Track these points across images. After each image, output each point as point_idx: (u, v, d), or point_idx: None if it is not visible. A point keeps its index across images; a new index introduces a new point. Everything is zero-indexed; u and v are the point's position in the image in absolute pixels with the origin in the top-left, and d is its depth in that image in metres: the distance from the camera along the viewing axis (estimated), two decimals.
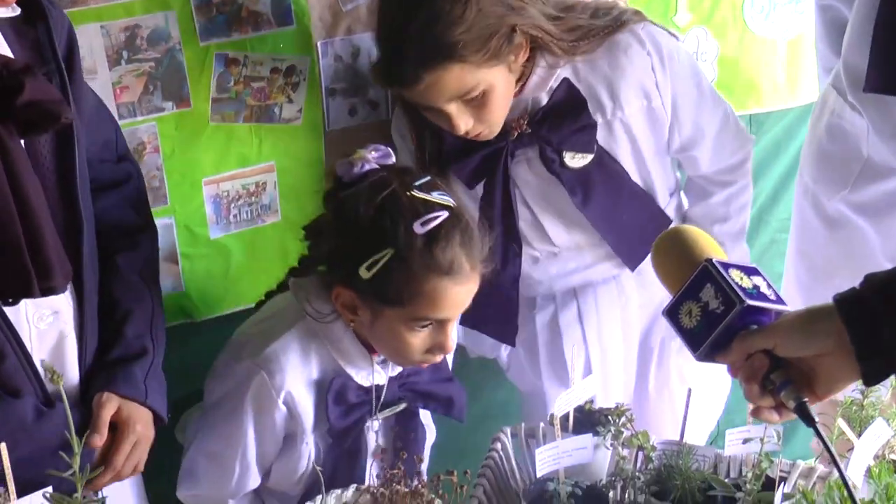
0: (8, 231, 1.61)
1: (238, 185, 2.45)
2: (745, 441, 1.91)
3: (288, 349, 1.98)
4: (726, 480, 1.95)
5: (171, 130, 2.32)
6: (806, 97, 3.01)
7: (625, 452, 2.00)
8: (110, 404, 1.84)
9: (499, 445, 2.06)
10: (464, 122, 2.15)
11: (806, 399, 1.42)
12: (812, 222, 2.65)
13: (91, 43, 2.16)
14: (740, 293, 1.44)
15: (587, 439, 1.91)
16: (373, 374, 2.03)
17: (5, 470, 1.46)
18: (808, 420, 1.42)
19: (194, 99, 2.32)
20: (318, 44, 2.42)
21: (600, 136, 2.29)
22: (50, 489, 1.51)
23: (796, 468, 2.04)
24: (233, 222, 2.47)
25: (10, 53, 1.67)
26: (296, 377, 1.98)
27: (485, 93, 2.13)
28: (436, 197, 1.89)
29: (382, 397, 2.04)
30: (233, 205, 2.46)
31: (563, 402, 1.93)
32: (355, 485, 1.78)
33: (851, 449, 1.83)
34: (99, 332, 1.90)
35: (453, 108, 2.13)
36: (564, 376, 2.46)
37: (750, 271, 1.50)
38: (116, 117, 2.16)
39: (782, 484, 1.82)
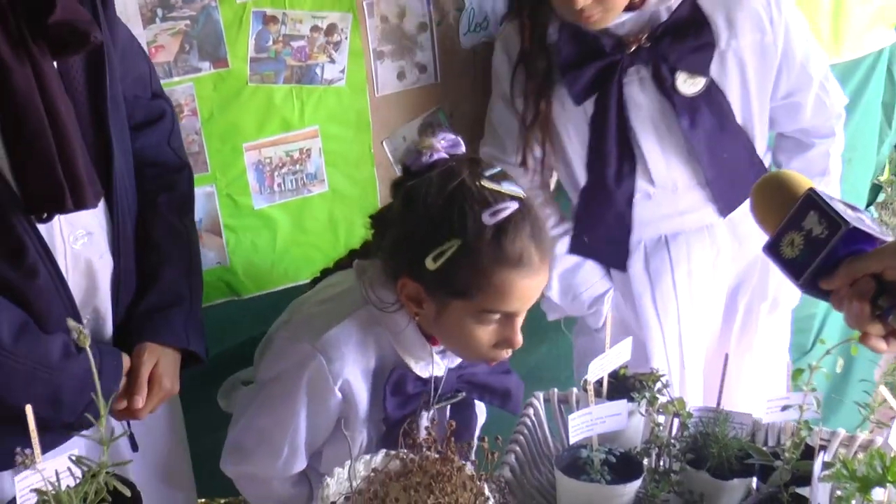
0: (41, 145, 1.68)
1: (281, 152, 2.47)
2: (784, 408, 1.89)
3: (348, 336, 1.98)
4: (764, 448, 1.94)
5: (209, 91, 2.34)
6: (851, 52, 2.98)
7: (660, 419, 1.99)
8: (150, 359, 1.93)
9: (531, 411, 2.07)
10: None
11: None
12: None
13: (125, 1, 2.18)
14: (845, 217, 1.44)
15: (621, 405, 1.90)
16: (432, 366, 2.02)
17: (31, 432, 1.49)
18: None
19: (232, 59, 2.35)
20: (363, 4, 2.43)
21: (712, 67, 2.31)
22: (76, 451, 1.54)
23: (836, 436, 2.03)
24: (277, 192, 2.50)
25: None
26: (354, 365, 1.98)
27: None
28: (505, 188, 1.87)
29: (440, 388, 2.04)
30: (276, 173, 2.48)
31: (596, 367, 1.92)
32: (384, 450, 1.78)
33: (894, 418, 1.81)
34: (137, 269, 1.97)
35: None
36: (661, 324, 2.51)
37: (854, 207, 1.50)
38: None
39: (822, 452, 1.78)
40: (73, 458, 1.53)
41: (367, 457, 1.75)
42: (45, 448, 1.68)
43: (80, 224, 1.82)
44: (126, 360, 1.91)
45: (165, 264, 1.99)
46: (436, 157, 1.92)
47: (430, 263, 1.84)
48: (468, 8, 2.56)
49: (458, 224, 1.83)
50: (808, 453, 1.84)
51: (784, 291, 2.56)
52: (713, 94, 2.33)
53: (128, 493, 1.57)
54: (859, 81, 3.06)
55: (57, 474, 1.50)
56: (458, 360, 2.04)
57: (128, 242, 1.93)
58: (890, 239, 1.46)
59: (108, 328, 1.94)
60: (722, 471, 1.90)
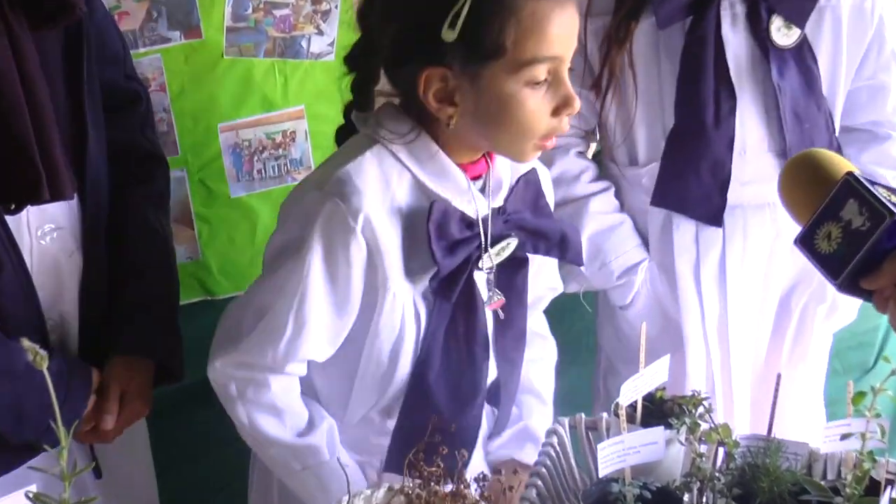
0: (18, 127, 1.63)
1: (261, 134, 2.39)
2: (844, 437, 1.77)
3: (363, 170, 1.77)
4: (822, 483, 1.84)
5: (180, 65, 2.28)
6: None
7: (702, 449, 1.87)
8: (123, 375, 1.86)
9: (555, 440, 1.94)
10: None
11: None
12: None
13: None
14: (890, 206, 1.36)
15: (658, 433, 1.78)
16: (474, 200, 1.83)
17: None
18: None
19: (206, 28, 2.30)
20: None
21: (809, 21, 2.22)
22: (33, 488, 1.41)
23: None
24: (257, 179, 2.41)
25: None
26: (376, 200, 1.76)
27: None
28: None
29: (489, 233, 1.83)
30: (256, 157, 2.40)
31: (629, 389, 1.80)
32: (388, 484, 1.64)
33: None
34: (109, 270, 1.90)
35: None
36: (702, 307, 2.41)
37: (866, 204, 1.42)
38: None
39: (889, 487, 1.70)
40: (30, 495, 1.40)
41: (368, 492, 1.62)
42: (1, 469, 1.75)
43: (50, 217, 1.77)
44: (96, 376, 1.83)
45: (141, 267, 1.94)
46: None
47: (447, 34, 1.68)
48: None
49: None
50: (874, 488, 1.74)
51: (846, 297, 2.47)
52: (804, 51, 2.24)
53: None
54: None
55: None
56: (502, 200, 1.87)
57: (99, 240, 1.87)
58: None
59: (74, 334, 1.87)
60: None
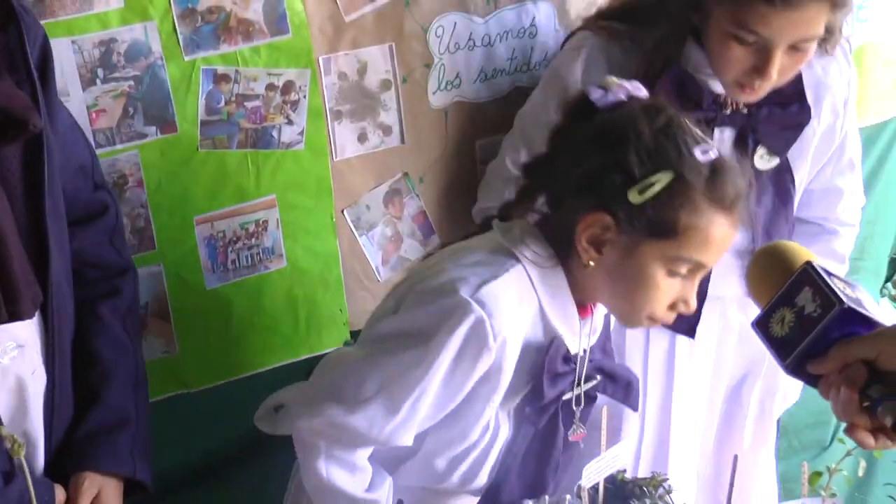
0: None
1: (235, 225, 2.37)
2: None
3: (508, 290, 1.84)
4: None
5: (156, 159, 2.24)
6: (875, 116, 3.06)
7: None
8: (90, 489, 1.82)
9: None
10: (775, 70, 2.13)
11: None
12: None
13: (61, 61, 2.05)
14: (841, 296, 1.38)
15: None
16: (580, 339, 1.92)
17: None
18: None
19: (181, 122, 2.25)
20: (320, 59, 2.34)
21: None
22: None
23: None
24: (231, 269, 2.39)
25: None
26: (512, 323, 1.85)
27: (808, 51, 2.16)
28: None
29: (583, 370, 1.94)
30: (230, 248, 2.37)
31: (591, 471, 1.83)
32: None
33: None
34: (74, 386, 1.85)
35: (779, 53, 2.12)
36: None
37: (853, 286, 1.45)
38: (93, 145, 2.07)
39: None
40: None
41: None
42: None
43: (10, 335, 1.70)
44: (60, 493, 1.78)
45: (109, 381, 1.89)
46: (622, 95, 1.87)
47: (634, 196, 1.77)
48: (437, 63, 2.47)
49: (673, 156, 1.79)
50: None
51: (794, 383, 2.52)
52: (783, 173, 2.34)
53: None
54: (883, 148, 3.10)
55: None
56: (594, 338, 1.97)
57: (64, 356, 1.81)
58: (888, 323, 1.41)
59: (40, 455, 1.81)
60: None
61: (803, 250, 1.51)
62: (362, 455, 1.89)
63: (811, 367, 1.42)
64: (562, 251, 1.89)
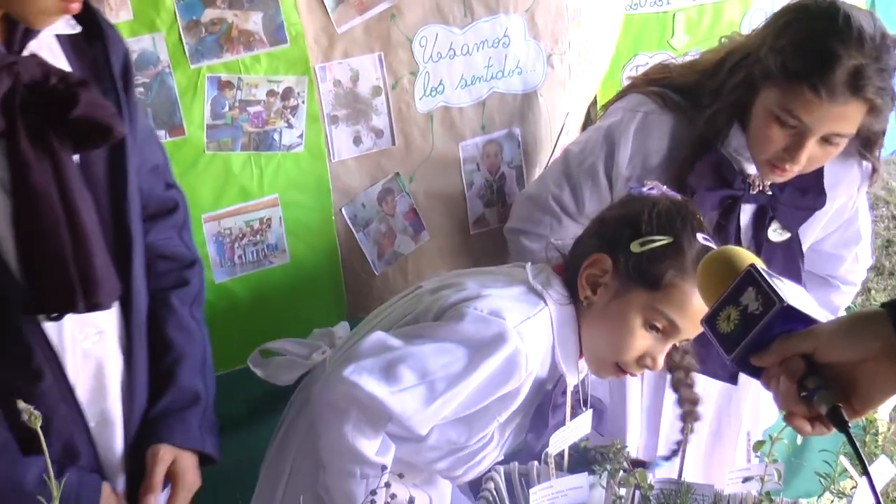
0: (55, 242, 1.63)
1: (241, 222, 2.41)
2: (745, 480, 1.89)
3: (539, 332, 2.03)
4: None
5: None
6: None
7: (622, 492, 1.98)
8: (166, 458, 1.86)
9: (491, 485, 2.03)
10: (804, 156, 2.23)
11: (840, 405, 1.37)
12: None
13: None
14: (782, 295, 1.42)
15: (583, 478, 1.91)
16: (578, 375, 2.09)
17: None
18: (842, 425, 1.37)
19: (188, 126, 2.29)
20: (316, 68, 2.40)
21: None
22: None
23: None
24: (238, 264, 2.43)
25: (68, 68, 1.70)
26: (537, 362, 2.02)
27: (838, 146, 2.27)
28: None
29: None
30: (237, 244, 2.42)
31: (557, 440, 1.90)
32: None
33: (855, 487, 1.82)
34: (149, 369, 1.90)
35: (813, 141, 2.22)
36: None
37: (796, 289, 1.52)
38: None
39: None
40: None
41: None
42: None
43: (92, 322, 1.75)
44: (106, 488, 1.82)
45: (180, 363, 1.93)
46: (656, 192, 2.12)
47: (635, 247, 2.01)
48: (422, 71, 2.54)
49: (677, 228, 2.02)
50: None
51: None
52: (793, 246, 2.46)
53: None
54: None
55: None
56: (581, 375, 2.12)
57: (140, 342, 1.87)
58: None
59: (118, 433, 1.85)
60: None
61: (748, 254, 1.57)
62: (381, 430, 1.99)
63: (754, 360, 1.45)
64: (573, 294, 2.08)
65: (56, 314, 1.68)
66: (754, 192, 2.39)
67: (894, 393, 1.41)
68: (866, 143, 2.39)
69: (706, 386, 2.54)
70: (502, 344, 1.96)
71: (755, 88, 2.28)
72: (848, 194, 2.50)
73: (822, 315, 1.45)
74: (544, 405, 2.02)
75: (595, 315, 2.05)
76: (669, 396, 2.53)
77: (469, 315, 2.00)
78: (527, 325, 2.00)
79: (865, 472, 1.37)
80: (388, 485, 1.88)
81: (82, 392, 1.77)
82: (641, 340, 2.01)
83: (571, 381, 2.08)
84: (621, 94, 2.52)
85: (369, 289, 2.59)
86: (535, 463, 2.10)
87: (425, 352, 1.98)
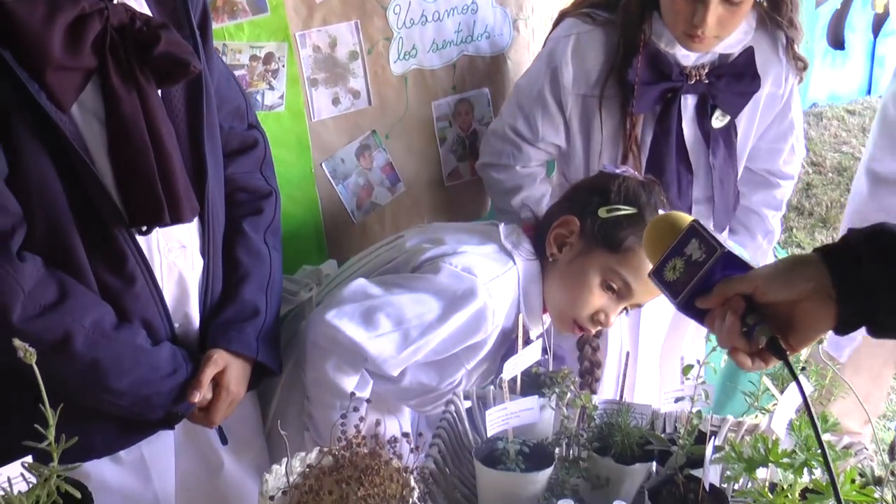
0: (144, 164, 1.75)
1: None
2: (678, 400, 1.94)
3: (506, 289, 2.13)
4: (662, 435, 1.98)
5: None
6: None
7: (568, 412, 2.04)
8: (218, 363, 1.95)
9: (452, 408, 2.11)
10: (712, 18, 2.30)
11: (777, 336, 1.44)
12: (862, 181, 2.85)
13: None
14: (722, 244, 1.50)
15: (533, 401, 1.95)
16: (541, 327, 2.22)
17: None
18: (780, 353, 1.43)
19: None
20: (297, 35, 2.45)
21: None
22: (29, 458, 1.52)
23: (726, 423, 2.08)
24: None
25: (149, 13, 1.80)
26: (502, 317, 2.13)
27: (742, 4, 2.32)
28: None
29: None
30: None
31: (511, 367, 1.96)
32: (318, 447, 1.79)
33: (775, 404, 1.85)
34: (224, 280, 2.01)
35: (715, 2, 2.29)
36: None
37: (703, 242, 1.55)
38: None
39: (713, 438, 1.83)
40: (26, 465, 1.52)
41: (303, 454, 1.77)
42: (132, 440, 1.91)
43: (175, 237, 1.88)
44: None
45: (245, 281, 2.03)
46: (626, 172, 2.23)
47: (602, 212, 2.12)
48: (396, 37, 2.60)
49: (642, 201, 2.14)
50: (701, 439, 1.88)
51: None
52: (730, 130, 2.53)
53: (78, 494, 1.54)
54: None
55: (9, 480, 1.50)
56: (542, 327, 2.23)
57: (216, 256, 1.98)
58: None
59: (196, 331, 1.98)
60: (625, 457, 1.93)
61: (687, 217, 1.61)
62: (360, 369, 2.11)
63: (699, 303, 1.50)
64: (539, 252, 2.18)
65: (146, 227, 1.81)
66: (692, 83, 2.44)
67: (827, 330, 1.46)
68: (774, 5, 2.44)
69: (657, 318, 2.66)
70: (472, 299, 2.07)
71: None
72: (777, 83, 2.55)
73: (756, 265, 1.51)
74: (509, 354, 2.09)
75: (559, 271, 2.16)
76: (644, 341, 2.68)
77: (444, 269, 2.11)
78: (496, 282, 2.11)
79: (797, 381, 1.43)
80: (356, 409, 1.97)
81: (168, 296, 1.90)
82: (598, 298, 2.12)
83: (534, 332, 2.19)
84: (556, 24, 2.59)
85: (348, 236, 2.67)
86: (491, 387, 2.19)
87: (402, 301, 2.08)
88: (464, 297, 2.07)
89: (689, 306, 1.52)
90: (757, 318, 1.45)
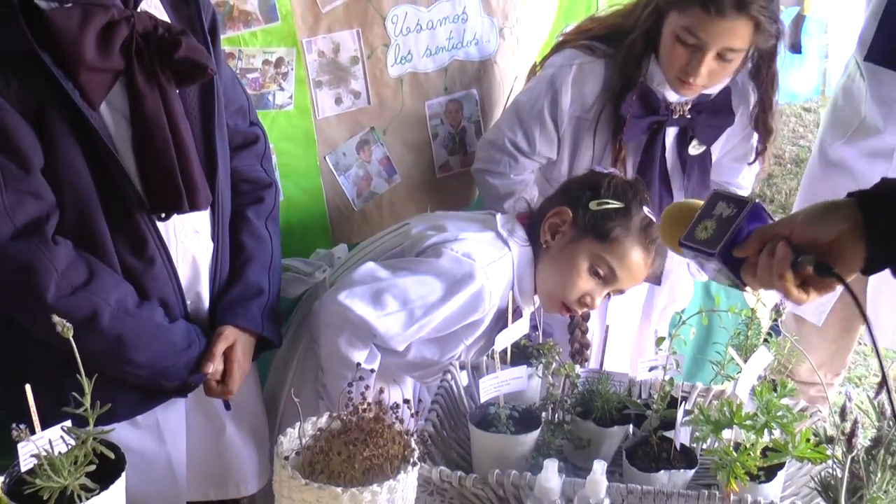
0: (166, 157, 1.78)
1: None
2: (652, 369, 1.98)
3: (501, 273, 2.17)
4: (638, 401, 2.02)
5: None
6: None
7: (554, 380, 2.07)
8: (228, 338, 1.99)
9: (449, 376, 2.13)
10: (705, 70, 2.35)
11: (821, 261, 1.44)
12: (815, 164, 2.88)
13: None
14: (709, 250, 1.53)
15: (522, 370, 1.97)
16: (533, 307, 2.26)
17: (30, 406, 1.50)
18: (828, 271, 1.43)
19: None
20: (303, 41, 2.47)
21: None
22: (69, 423, 1.55)
23: (695, 389, 2.12)
24: None
25: (169, 21, 1.83)
26: (498, 298, 2.16)
27: (733, 62, 2.38)
28: None
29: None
30: None
31: (502, 339, 1.99)
32: (328, 412, 1.81)
33: (740, 372, 1.89)
34: (231, 263, 2.05)
35: (710, 56, 2.35)
36: None
37: (730, 202, 1.58)
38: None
39: (683, 402, 1.88)
40: (65, 429, 1.55)
41: (314, 419, 1.79)
42: (149, 407, 1.95)
43: (190, 224, 1.92)
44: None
45: (249, 263, 2.07)
46: (615, 172, 2.31)
47: (594, 205, 2.18)
48: (393, 43, 2.62)
49: (629, 197, 2.19)
50: (673, 404, 1.92)
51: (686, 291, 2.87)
52: (705, 156, 2.60)
53: (112, 455, 1.59)
54: None
55: (51, 443, 1.52)
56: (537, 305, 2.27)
57: (225, 240, 2.02)
58: None
59: (206, 309, 2.02)
60: (604, 420, 1.97)
61: (699, 201, 1.63)
62: (370, 344, 2.16)
63: (737, 251, 1.51)
64: (532, 239, 2.22)
65: (165, 214, 1.84)
66: (676, 117, 2.50)
67: (855, 271, 1.46)
68: (757, 69, 2.50)
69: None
70: (471, 281, 2.12)
71: (662, 15, 2.39)
72: (746, 116, 2.60)
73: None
74: (501, 328, 2.13)
75: (551, 257, 2.20)
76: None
77: (446, 254, 2.15)
78: (492, 266, 2.15)
79: (863, 317, 1.45)
80: (362, 378, 2.01)
81: (183, 276, 1.94)
82: (585, 283, 2.16)
83: (527, 311, 2.23)
84: (556, 49, 2.62)
85: (350, 221, 2.70)
86: (484, 358, 2.22)
87: (407, 283, 2.12)
88: (463, 280, 2.12)
89: (727, 257, 1.52)
90: (797, 252, 1.45)
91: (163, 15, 1.83)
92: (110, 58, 1.71)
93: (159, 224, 1.85)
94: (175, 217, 1.87)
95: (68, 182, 1.75)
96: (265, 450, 2.27)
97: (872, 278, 2.58)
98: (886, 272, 1.45)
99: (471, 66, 2.79)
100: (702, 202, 1.60)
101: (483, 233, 2.23)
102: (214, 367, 1.97)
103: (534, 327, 2.22)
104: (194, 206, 1.83)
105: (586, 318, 2.43)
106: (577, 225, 2.19)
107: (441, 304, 2.11)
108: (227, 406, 2.13)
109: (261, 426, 2.27)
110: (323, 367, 2.20)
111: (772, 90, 2.55)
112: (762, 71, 2.51)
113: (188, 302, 1.97)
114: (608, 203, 2.17)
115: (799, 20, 4.97)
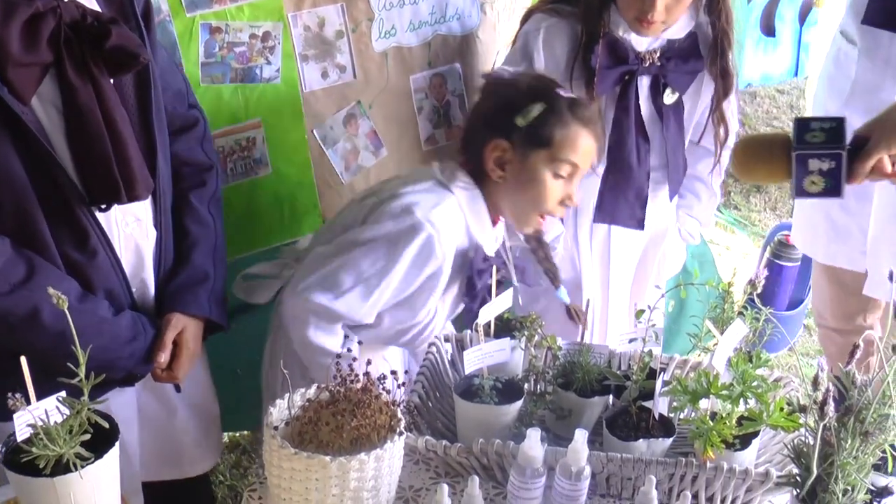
0: (101, 148, 1.73)
1: (231, 141, 2.47)
2: (631, 341, 1.96)
3: (449, 213, 2.11)
4: (618, 372, 2.01)
5: None
6: None
7: (536, 352, 2.06)
8: (177, 325, 1.98)
9: (434, 349, 2.11)
10: (660, 6, 2.32)
11: None
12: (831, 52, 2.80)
13: None
14: (835, 147, 1.71)
15: (506, 342, 1.96)
16: (494, 244, 2.21)
17: (25, 378, 1.51)
18: None
19: (186, 63, 2.34)
20: (289, 16, 2.43)
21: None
22: (63, 393, 1.56)
23: (673, 361, 2.12)
24: (230, 175, 2.50)
25: (98, 9, 1.78)
26: (450, 242, 2.10)
27: None
28: None
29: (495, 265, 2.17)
30: (228, 159, 2.48)
31: (485, 313, 1.98)
32: (316, 384, 1.80)
33: (716, 344, 1.89)
34: (175, 249, 2.02)
35: None
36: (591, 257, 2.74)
37: (824, 121, 1.79)
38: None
39: (662, 373, 1.88)
40: (60, 398, 1.55)
41: (302, 390, 1.78)
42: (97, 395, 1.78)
43: (132, 212, 1.88)
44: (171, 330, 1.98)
45: (194, 248, 2.03)
46: (507, 74, 2.25)
47: (519, 121, 2.08)
48: (377, 18, 2.59)
49: (543, 94, 2.10)
50: (652, 375, 1.92)
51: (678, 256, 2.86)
52: (679, 107, 2.55)
53: (106, 425, 1.59)
54: None
55: (46, 413, 1.52)
56: (498, 243, 2.23)
57: (168, 227, 1.99)
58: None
59: (152, 295, 2.00)
60: (585, 391, 1.96)
61: (769, 134, 1.69)
62: (338, 326, 2.12)
63: (859, 166, 1.75)
64: (478, 180, 2.15)
65: (105, 206, 1.80)
66: (647, 65, 2.47)
67: None
68: (711, 3, 2.47)
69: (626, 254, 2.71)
70: (416, 233, 2.06)
71: None
72: (714, 57, 2.55)
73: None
74: (467, 272, 2.14)
75: (511, 186, 2.13)
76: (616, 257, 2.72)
77: (385, 214, 2.10)
78: (435, 211, 2.08)
79: None
80: (349, 350, 2.05)
81: (127, 265, 1.91)
82: (556, 189, 2.11)
83: (489, 249, 2.18)
84: (525, 19, 2.59)
85: (338, 194, 2.67)
86: (468, 331, 2.19)
87: (356, 256, 2.08)
88: (407, 234, 2.06)
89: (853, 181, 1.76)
90: None
91: (92, 3, 1.77)
92: (37, 51, 1.66)
93: (100, 215, 1.81)
94: (115, 206, 1.82)
95: (3, 179, 1.70)
96: (215, 430, 2.28)
97: (872, 228, 2.63)
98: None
99: (453, 41, 2.75)
100: (777, 137, 1.75)
101: (421, 184, 2.16)
102: (166, 357, 1.95)
103: (501, 263, 2.19)
104: (134, 197, 1.79)
105: (541, 240, 2.41)
106: (518, 146, 2.11)
107: (393, 266, 2.06)
108: (178, 388, 2.11)
109: (211, 407, 2.26)
110: (304, 360, 2.16)
111: (727, 26, 2.50)
112: (716, 4, 2.48)
113: (134, 290, 1.93)
114: (531, 111, 2.09)
115: (773, 5, 4.97)
